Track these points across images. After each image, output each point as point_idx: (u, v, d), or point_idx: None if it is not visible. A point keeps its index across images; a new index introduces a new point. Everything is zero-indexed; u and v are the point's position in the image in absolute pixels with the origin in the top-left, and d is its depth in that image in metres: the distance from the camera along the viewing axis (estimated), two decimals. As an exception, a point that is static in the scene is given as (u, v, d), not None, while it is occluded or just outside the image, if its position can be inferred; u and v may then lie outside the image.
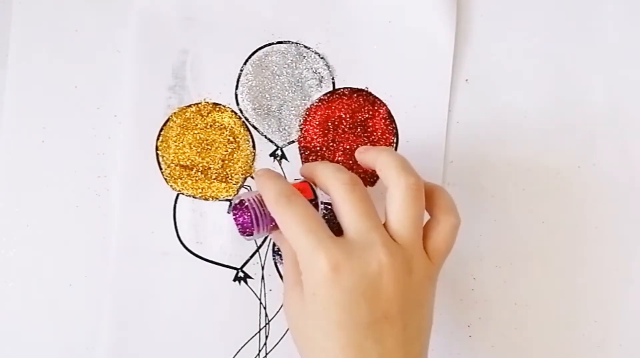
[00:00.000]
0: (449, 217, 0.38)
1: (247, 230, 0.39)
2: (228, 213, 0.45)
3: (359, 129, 0.46)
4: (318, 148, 0.46)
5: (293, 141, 0.46)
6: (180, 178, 0.45)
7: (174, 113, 0.45)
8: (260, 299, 0.45)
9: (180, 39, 0.46)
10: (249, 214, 0.38)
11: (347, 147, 0.46)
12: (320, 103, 0.46)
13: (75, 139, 0.45)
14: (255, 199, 0.39)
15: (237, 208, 0.39)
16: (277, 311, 0.45)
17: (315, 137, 0.46)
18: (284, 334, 0.45)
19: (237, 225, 0.39)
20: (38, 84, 0.45)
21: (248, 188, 0.45)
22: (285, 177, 0.45)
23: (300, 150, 0.46)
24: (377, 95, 0.46)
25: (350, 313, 0.34)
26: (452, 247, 0.38)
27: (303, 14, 0.46)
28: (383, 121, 0.46)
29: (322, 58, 0.46)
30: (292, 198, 0.36)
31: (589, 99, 0.47)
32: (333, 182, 0.37)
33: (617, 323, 0.46)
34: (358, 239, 0.35)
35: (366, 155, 0.40)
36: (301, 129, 0.46)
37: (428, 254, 0.37)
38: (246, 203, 0.39)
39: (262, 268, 0.45)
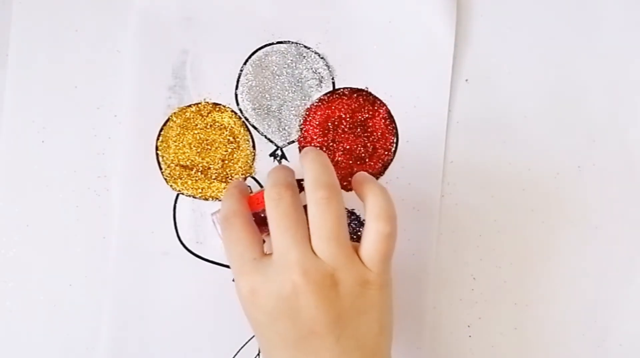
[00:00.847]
0: (374, 224, 0.36)
1: None
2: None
3: (359, 129, 0.46)
4: (318, 148, 0.46)
5: (293, 141, 0.46)
6: (180, 178, 0.45)
7: (174, 113, 0.45)
8: (260, 299, 0.45)
9: (180, 39, 0.46)
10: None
11: (347, 147, 0.46)
12: (320, 103, 0.46)
13: (75, 139, 0.45)
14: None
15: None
16: (277, 311, 0.45)
17: (315, 137, 0.46)
18: (284, 334, 0.45)
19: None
20: (38, 84, 0.45)
21: (248, 188, 0.45)
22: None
23: (300, 150, 0.46)
24: (377, 95, 0.46)
25: (277, 332, 0.36)
26: (388, 253, 0.36)
27: (303, 14, 0.46)
28: (383, 121, 0.46)
29: (322, 58, 0.46)
30: (230, 220, 0.37)
31: (589, 99, 0.47)
32: (266, 196, 0.37)
33: (617, 323, 0.46)
34: (277, 259, 0.35)
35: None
36: (301, 129, 0.46)
37: (363, 261, 0.36)
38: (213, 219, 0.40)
39: (262, 268, 0.45)
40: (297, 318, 0.35)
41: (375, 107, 0.46)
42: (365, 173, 0.40)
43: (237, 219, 0.37)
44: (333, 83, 0.46)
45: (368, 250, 0.36)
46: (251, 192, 0.45)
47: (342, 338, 0.35)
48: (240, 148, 0.46)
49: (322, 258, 0.35)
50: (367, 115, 0.46)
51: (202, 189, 0.45)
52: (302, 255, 0.35)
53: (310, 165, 0.37)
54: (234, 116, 0.46)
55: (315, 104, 0.46)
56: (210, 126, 0.46)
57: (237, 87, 0.46)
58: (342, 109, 0.46)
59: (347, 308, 0.35)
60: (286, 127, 0.46)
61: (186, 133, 0.45)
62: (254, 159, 0.46)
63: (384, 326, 0.37)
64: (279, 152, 0.46)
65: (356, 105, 0.46)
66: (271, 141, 0.46)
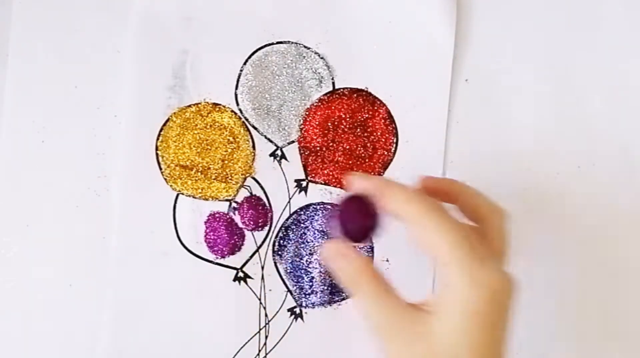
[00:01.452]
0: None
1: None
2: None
3: (358, 129, 0.46)
4: (318, 148, 0.46)
5: (293, 141, 0.46)
6: (180, 178, 0.45)
7: (174, 113, 0.45)
8: (260, 299, 0.45)
9: (180, 39, 0.46)
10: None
11: (347, 147, 0.46)
12: (320, 103, 0.46)
13: (75, 139, 0.45)
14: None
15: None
16: (277, 312, 0.45)
17: (315, 137, 0.46)
18: (284, 334, 0.45)
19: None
20: (38, 84, 0.45)
21: (248, 188, 0.45)
22: (286, 180, 0.46)
23: (300, 150, 0.46)
24: (377, 95, 0.46)
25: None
26: None
27: (303, 14, 0.46)
28: (383, 121, 0.46)
29: (322, 58, 0.46)
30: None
31: (589, 99, 0.47)
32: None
33: (617, 323, 0.46)
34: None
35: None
36: (301, 129, 0.46)
37: None
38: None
39: (262, 268, 0.45)
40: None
41: (375, 107, 0.46)
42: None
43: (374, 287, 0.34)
44: (333, 83, 0.46)
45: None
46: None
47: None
48: (240, 148, 0.46)
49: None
50: (367, 115, 0.46)
51: (202, 189, 0.45)
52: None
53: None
54: (234, 116, 0.46)
55: (315, 104, 0.46)
56: (210, 126, 0.46)
57: (237, 87, 0.46)
58: (342, 109, 0.46)
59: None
60: (286, 128, 0.46)
61: (186, 133, 0.45)
62: (253, 159, 0.46)
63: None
64: (278, 152, 0.46)
65: (356, 105, 0.46)
66: (271, 141, 0.46)
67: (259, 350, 0.45)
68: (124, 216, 0.45)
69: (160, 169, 0.45)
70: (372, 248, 0.45)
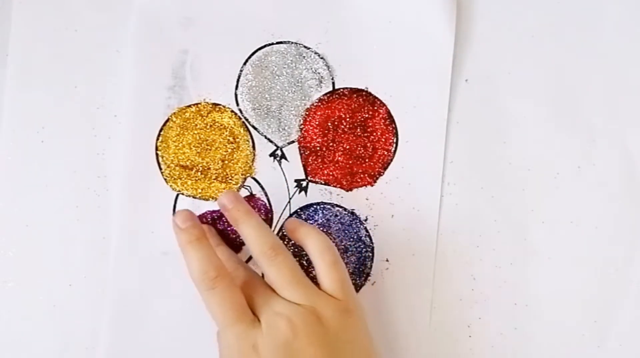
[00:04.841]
0: (320, 259, 0.39)
1: None
2: None
3: (358, 129, 0.46)
4: (318, 148, 0.46)
5: (293, 141, 0.46)
6: (180, 178, 0.45)
7: (174, 113, 0.45)
8: (260, 299, 0.45)
9: (180, 39, 0.46)
10: None
11: (347, 147, 0.46)
12: (320, 103, 0.46)
13: (75, 139, 0.45)
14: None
15: None
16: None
17: (315, 137, 0.46)
18: (284, 334, 0.45)
19: None
20: (38, 84, 0.45)
21: (248, 188, 0.45)
22: (286, 180, 0.46)
23: (300, 150, 0.46)
24: (377, 95, 0.46)
25: None
26: (343, 277, 0.39)
27: (303, 14, 0.46)
28: (383, 121, 0.46)
29: (322, 58, 0.46)
30: (215, 281, 0.38)
31: (589, 99, 0.47)
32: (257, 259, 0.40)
33: (617, 323, 0.46)
34: (264, 315, 0.38)
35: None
36: (301, 129, 0.46)
37: (328, 293, 0.39)
38: None
39: (262, 268, 0.45)
40: None
41: (375, 107, 0.46)
42: (293, 218, 0.44)
43: (223, 279, 0.38)
44: (333, 83, 0.46)
45: (326, 282, 0.39)
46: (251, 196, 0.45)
47: None
48: (240, 148, 0.46)
49: (296, 301, 0.38)
50: (367, 115, 0.46)
51: (202, 190, 0.45)
52: (280, 304, 0.38)
53: (248, 233, 0.40)
54: (233, 116, 0.46)
55: (315, 104, 0.46)
56: (210, 126, 0.46)
57: (237, 88, 0.46)
58: (342, 109, 0.46)
59: (337, 340, 0.37)
60: (286, 128, 0.46)
61: (186, 133, 0.45)
62: (253, 159, 0.46)
63: (370, 351, 0.39)
64: (278, 152, 0.46)
65: (356, 105, 0.46)
66: (271, 141, 0.46)
67: (259, 350, 0.45)
68: (124, 216, 0.45)
69: (160, 169, 0.45)
70: (372, 248, 0.45)
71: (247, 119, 0.46)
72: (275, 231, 0.45)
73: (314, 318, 0.37)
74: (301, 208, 0.46)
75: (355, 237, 0.45)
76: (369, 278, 0.45)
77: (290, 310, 0.37)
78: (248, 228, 0.40)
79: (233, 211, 0.40)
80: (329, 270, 0.39)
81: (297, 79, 0.46)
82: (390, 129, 0.46)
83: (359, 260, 0.45)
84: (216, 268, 0.38)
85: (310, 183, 0.46)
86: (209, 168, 0.45)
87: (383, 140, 0.46)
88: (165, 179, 0.45)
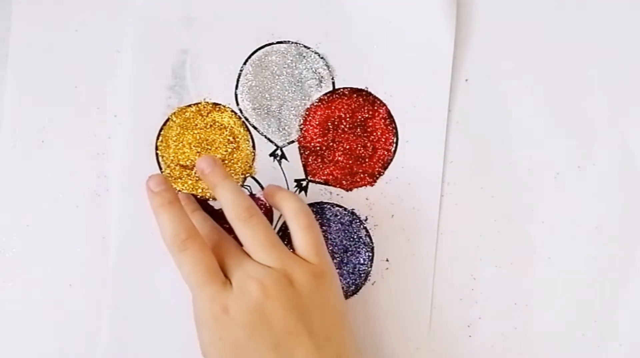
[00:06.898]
0: (294, 222, 0.40)
1: None
2: None
3: (358, 129, 0.46)
4: (318, 148, 0.46)
5: (293, 141, 0.46)
6: (180, 178, 0.45)
7: (174, 113, 0.45)
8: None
9: (180, 39, 0.46)
10: None
11: (347, 147, 0.46)
12: (320, 103, 0.46)
13: (76, 139, 0.45)
14: None
15: None
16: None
17: (315, 137, 0.46)
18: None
19: None
20: (38, 84, 0.45)
21: (248, 187, 0.45)
22: (286, 180, 0.46)
23: (300, 150, 0.46)
24: (377, 95, 0.46)
25: (256, 342, 0.37)
26: (317, 241, 0.40)
27: (303, 14, 0.46)
28: (383, 121, 0.46)
29: (322, 58, 0.46)
30: (186, 243, 0.38)
31: (589, 99, 0.47)
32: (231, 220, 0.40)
33: (617, 323, 0.46)
34: (235, 277, 0.38)
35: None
36: (301, 129, 0.46)
37: (302, 257, 0.40)
38: None
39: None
40: (270, 323, 0.37)
41: (375, 107, 0.46)
42: (273, 184, 0.44)
43: (195, 241, 0.39)
44: (333, 83, 0.46)
45: (301, 245, 0.40)
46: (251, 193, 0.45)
47: (314, 331, 0.37)
48: (240, 148, 0.46)
49: (269, 264, 0.38)
50: (367, 115, 0.46)
51: (202, 189, 0.45)
52: (252, 267, 0.38)
53: (224, 196, 0.40)
54: (233, 116, 0.46)
55: (315, 104, 0.46)
56: (210, 126, 0.46)
57: (237, 87, 0.46)
58: (342, 109, 0.46)
59: (309, 303, 0.38)
60: (286, 127, 0.46)
61: (186, 133, 0.45)
62: (253, 159, 0.46)
63: (342, 315, 0.40)
64: (278, 152, 0.46)
65: (356, 105, 0.46)
66: (271, 141, 0.46)
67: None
68: (124, 216, 0.45)
69: (160, 169, 0.45)
70: (372, 248, 0.45)
71: (247, 119, 0.46)
72: (276, 231, 0.45)
73: (285, 281, 0.38)
74: (301, 208, 0.46)
75: (355, 237, 0.45)
76: (369, 278, 0.45)
77: (262, 272, 0.38)
78: (224, 191, 0.40)
79: (210, 175, 0.40)
80: (303, 233, 0.40)
81: (297, 79, 0.46)
82: (390, 129, 0.46)
83: (359, 260, 0.45)
84: (187, 229, 0.39)
85: (310, 183, 0.46)
86: (209, 168, 0.45)
87: (383, 140, 0.46)
88: (165, 179, 0.45)
